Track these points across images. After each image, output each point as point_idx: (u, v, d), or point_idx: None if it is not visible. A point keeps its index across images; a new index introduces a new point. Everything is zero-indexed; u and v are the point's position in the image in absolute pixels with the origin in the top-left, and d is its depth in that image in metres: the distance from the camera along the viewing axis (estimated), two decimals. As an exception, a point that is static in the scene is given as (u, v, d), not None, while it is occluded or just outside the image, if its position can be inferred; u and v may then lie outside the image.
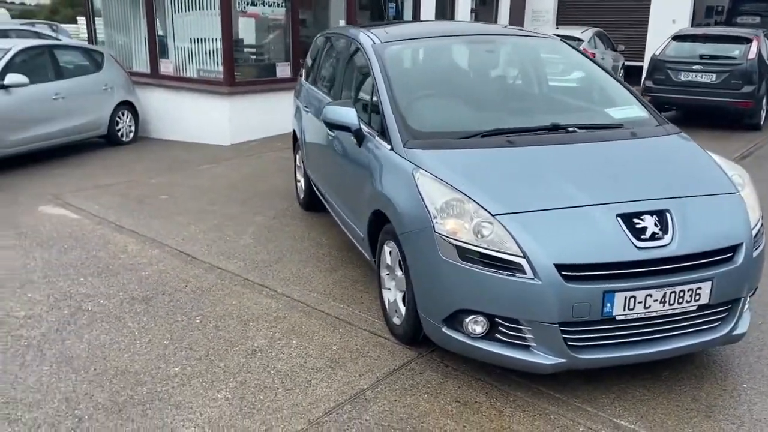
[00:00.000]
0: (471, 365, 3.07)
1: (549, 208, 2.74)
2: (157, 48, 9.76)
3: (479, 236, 2.69)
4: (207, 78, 9.22)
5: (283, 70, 9.66)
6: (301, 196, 5.71)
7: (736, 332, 2.85)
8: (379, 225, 3.42)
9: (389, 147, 3.33)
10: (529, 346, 2.68)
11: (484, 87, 3.98)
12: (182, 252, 4.69)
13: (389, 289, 3.42)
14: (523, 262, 2.61)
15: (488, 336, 2.76)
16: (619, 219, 2.71)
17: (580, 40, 12.36)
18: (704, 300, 2.73)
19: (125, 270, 4.35)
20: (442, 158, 3.07)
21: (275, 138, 9.16)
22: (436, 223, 2.79)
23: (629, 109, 3.67)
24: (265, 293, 3.96)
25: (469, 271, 2.69)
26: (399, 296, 3.28)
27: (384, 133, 3.43)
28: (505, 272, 2.63)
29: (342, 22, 10.52)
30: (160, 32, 9.75)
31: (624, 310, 2.62)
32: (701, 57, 10.10)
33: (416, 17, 11.82)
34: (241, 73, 9.18)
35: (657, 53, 10.54)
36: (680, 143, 3.36)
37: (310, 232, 5.11)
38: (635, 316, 2.65)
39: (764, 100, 10.12)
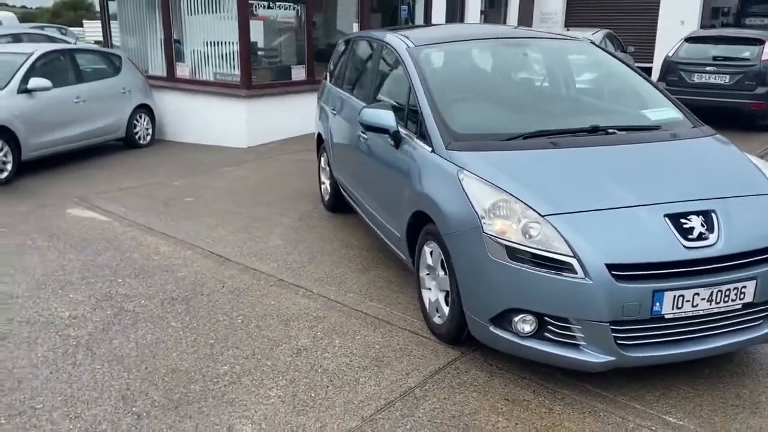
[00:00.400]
0: (515, 363, 3.12)
1: (597, 209, 2.79)
2: (173, 51, 9.83)
3: (528, 236, 2.74)
4: (224, 81, 9.28)
5: (299, 73, 9.73)
6: (326, 197, 5.76)
7: (780, 331, 2.89)
8: (419, 226, 3.48)
9: (430, 149, 3.38)
10: (579, 344, 2.73)
11: (520, 89, 4.04)
12: (214, 253, 4.74)
13: (429, 289, 3.47)
14: (573, 261, 2.65)
15: (537, 335, 2.81)
16: (667, 219, 2.76)
17: (591, 42, 12.38)
18: (749, 298, 2.78)
19: (161, 271, 4.40)
20: (485, 159, 3.13)
21: (292, 140, 9.23)
22: (485, 223, 2.84)
23: (664, 110, 3.72)
24: (301, 293, 4.01)
25: (518, 271, 2.74)
26: (441, 296, 3.32)
27: (423, 136, 3.48)
28: (555, 272, 2.68)
29: (355, 26, 10.59)
30: (176, 36, 9.82)
31: (672, 309, 2.67)
32: (714, 58, 10.15)
33: (428, 19, 11.88)
34: (257, 76, 9.24)
35: (670, 55, 10.59)
36: (719, 145, 3.41)
37: (338, 233, 5.16)
38: (683, 315, 2.70)
39: (777, 102, 10.16)
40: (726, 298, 2.73)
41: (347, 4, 10.76)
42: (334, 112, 5.21)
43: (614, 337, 2.67)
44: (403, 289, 4.06)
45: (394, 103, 3.89)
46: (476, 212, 2.89)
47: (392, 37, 4.31)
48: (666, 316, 2.68)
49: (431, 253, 3.38)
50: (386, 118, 3.66)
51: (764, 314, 2.87)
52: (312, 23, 9.75)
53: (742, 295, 2.76)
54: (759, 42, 10.09)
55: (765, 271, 2.78)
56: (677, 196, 2.86)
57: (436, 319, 3.39)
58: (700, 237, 2.73)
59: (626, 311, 2.64)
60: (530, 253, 2.72)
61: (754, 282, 2.75)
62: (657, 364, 2.83)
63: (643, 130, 3.42)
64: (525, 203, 2.82)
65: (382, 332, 3.49)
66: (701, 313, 2.72)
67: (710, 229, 2.77)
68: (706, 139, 3.41)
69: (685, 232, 2.73)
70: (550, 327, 2.77)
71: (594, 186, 2.92)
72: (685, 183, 2.97)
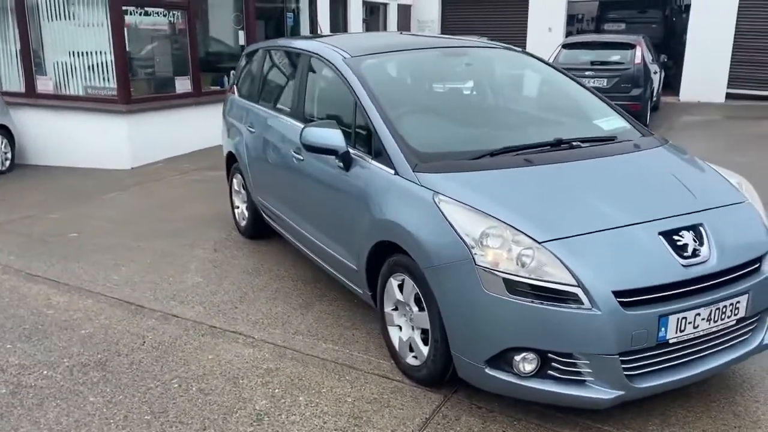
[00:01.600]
0: (504, 403, 2.85)
1: (592, 231, 2.58)
2: (32, 63, 8.69)
3: (525, 266, 2.48)
4: (97, 95, 8.34)
5: (183, 85, 8.97)
6: (242, 223, 5.22)
7: (766, 342, 2.85)
8: (382, 256, 3.12)
9: (392, 171, 3.03)
10: (585, 380, 2.50)
11: (473, 102, 3.80)
12: (122, 300, 4.07)
13: (398, 326, 3.13)
14: (578, 291, 2.42)
15: (539, 373, 2.55)
16: (662, 237, 2.61)
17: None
18: (742, 313, 2.70)
19: (59, 329, 3.67)
20: (461, 182, 2.83)
21: (181, 158, 8.48)
22: (476, 254, 2.54)
23: (613, 119, 3.63)
24: (242, 341, 3.50)
25: (520, 306, 2.46)
26: (416, 334, 2.99)
27: (380, 156, 3.13)
28: (560, 304, 2.44)
29: (242, 33, 9.97)
30: (34, 46, 8.68)
31: (676, 332, 2.52)
32: (592, 63, 10.67)
33: (314, 28, 11.49)
34: (135, 89, 8.39)
35: (551, 61, 10.99)
36: (679, 154, 3.35)
37: (264, 264, 4.65)
38: (686, 338, 2.56)
39: (648, 103, 10.88)
40: (723, 316, 2.63)
41: (227, 12, 10.10)
42: (252, 129, 4.70)
43: (623, 368, 2.48)
44: (356, 324, 3.67)
45: (344, 120, 3.50)
46: (465, 242, 2.59)
47: (323, 48, 3.92)
48: (670, 341, 2.52)
49: (400, 286, 3.04)
50: (334, 138, 3.26)
51: (752, 327, 2.82)
52: (195, 31, 9.02)
53: (736, 311, 2.67)
54: (631, 46, 10.75)
55: (755, 283, 2.71)
56: (665, 211, 2.73)
57: (411, 360, 3.05)
58: (695, 254, 2.61)
59: (635, 340, 2.45)
60: (531, 285, 2.46)
61: (746, 296, 2.67)
62: (662, 391, 2.68)
63: (607, 142, 3.29)
64: (518, 230, 2.55)
65: (349, 380, 3.08)
66: (701, 333, 2.60)
67: (701, 244, 2.66)
68: (665, 148, 3.35)
69: (680, 250, 2.60)
70: (554, 364, 2.52)
71: (583, 205, 2.72)
72: (668, 197, 2.86)
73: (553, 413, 2.77)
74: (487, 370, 2.60)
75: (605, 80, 10.44)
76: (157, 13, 8.67)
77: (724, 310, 2.62)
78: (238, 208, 5.33)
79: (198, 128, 8.78)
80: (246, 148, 4.82)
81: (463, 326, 2.64)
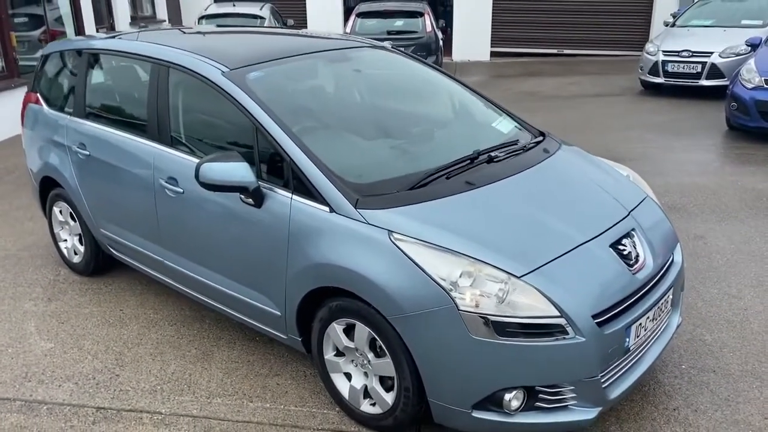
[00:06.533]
0: (474, 434, 2.77)
1: (559, 255, 2.56)
2: None
3: (508, 304, 2.38)
4: None
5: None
6: (76, 259, 4.35)
7: (679, 322, 3.13)
8: (317, 301, 2.80)
9: (327, 209, 2.68)
10: (568, 405, 2.52)
11: (380, 117, 3.49)
12: (-48, 394, 3.14)
13: (347, 374, 2.85)
14: (561, 321, 2.40)
15: (526, 407, 2.50)
16: (611, 249, 2.69)
17: (262, 17, 11.99)
18: (670, 306, 2.94)
19: None
20: (412, 216, 2.59)
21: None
22: (457, 299, 2.37)
23: (504, 121, 3.64)
24: (149, 421, 2.91)
25: (510, 346, 2.36)
26: (374, 382, 2.74)
27: (306, 192, 2.74)
28: (547, 338, 2.39)
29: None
30: None
31: (635, 339, 2.65)
32: (389, 33, 10.82)
33: (78, 16, 9.86)
34: None
35: (348, 31, 10.91)
36: (580, 154, 3.47)
37: (125, 309, 3.93)
38: (640, 341, 2.71)
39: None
40: (661, 313, 2.84)
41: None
42: (83, 151, 3.85)
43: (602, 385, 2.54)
44: (275, 369, 3.28)
45: (234, 151, 2.98)
46: (441, 287, 2.39)
47: (184, 57, 3.29)
48: (631, 348, 2.65)
49: (345, 331, 2.75)
50: (241, 172, 2.78)
51: (669, 314, 3.07)
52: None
53: (668, 304, 2.90)
54: (419, 14, 11.10)
55: (676, 275, 2.95)
56: (605, 222, 2.80)
57: (368, 408, 2.80)
58: (637, 260, 2.75)
59: (611, 357, 2.52)
60: (518, 323, 2.37)
61: (672, 289, 2.90)
62: (627, 395, 2.81)
63: (511, 147, 3.24)
64: (495, 266, 2.43)
65: (302, 446, 2.75)
66: (648, 333, 2.77)
67: (636, 249, 2.80)
68: (566, 150, 3.43)
69: (625, 259, 2.71)
70: (541, 396, 2.49)
71: (540, 227, 2.67)
72: (600, 206, 2.93)
73: (525, 434, 2.77)
74: (473, 414, 2.49)
75: (402, 49, 10.65)
76: None
77: (662, 307, 2.82)
78: (65, 241, 4.42)
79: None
80: (76, 173, 3.96)
81: (446, 374, 2.46)
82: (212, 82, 3.12)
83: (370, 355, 2.71)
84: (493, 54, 16.33)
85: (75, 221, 4.22)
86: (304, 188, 2.75)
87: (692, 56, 9.81)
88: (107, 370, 3.32)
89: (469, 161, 3.00)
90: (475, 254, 2.46)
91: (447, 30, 15.55)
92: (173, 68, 3.34)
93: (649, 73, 10.28)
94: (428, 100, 3.82)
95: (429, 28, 10.84)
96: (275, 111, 2.92)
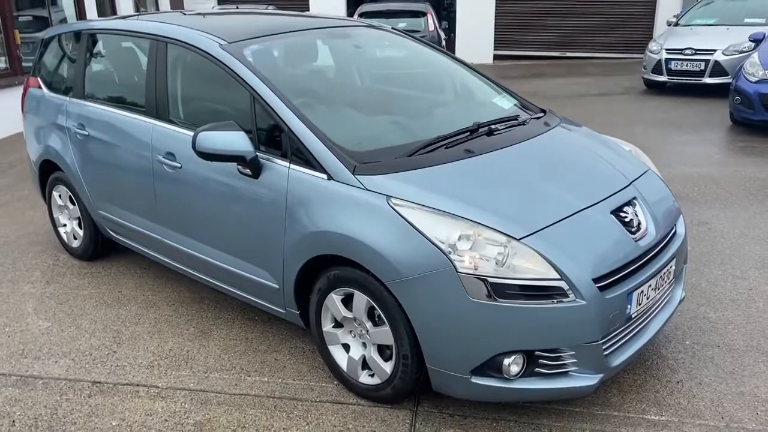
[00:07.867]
0: (474, 407, 2.72)
1: (559, 219, 2.52)
2: None
3: (508, 266, 2.35)
4: None
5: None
6: (75, 244, 4.34)
7: (682, 296, 3.08)
8: (314, 270, 2.77)
9: (325, 177, 2.66)
10: (569, 371, 2.48)
11: (378, 90, 3.49)
12: (-51, 369, 3.12)
13: (345, 344, 2.81)
14: (562, 284, 2.36)
15: (526, 373, 2.46)
16: (613, 216, 2.66)
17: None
18: (672, 276, 2.90)
19: None
20: (412, 182, 2.57)
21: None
22: (456, 261, 2.34)
23: (504, 98, 3.62)
24: (145, 394, 2.88)
25: (509, 309, 2.33)
26: (373, 351, 2.70)
27: (304, 159, 2.73)
28: (547, 300, 2.35)
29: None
30: None
31: (637, 306, 2.61)
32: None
33: (81, 8, 9.93)
34: None
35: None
36: (581, 129, 3.44)
37: (123, 290, 3.91)
38: (642, 309, 2.66)
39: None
40: (663, 282, 2.79)
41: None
42: (83, 131, 3.85)
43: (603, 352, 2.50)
44: (273, 346, 3.25)
45: (232, 121, 2.96)
46: (440, 249, 2.36)
47: (183, 32, 3.29)
48: (633, 315, 2.61)
49: (344, 301, 2.72)
50: (239, 142, 2.76)
51: (672, 286, 3.02)
52: None
53: (670, 275, 2.85)
54: (422, 14, 11.12)
55: (679, 246, 2.92)
56: (606, 190, 2.77)
57: (367, 379, 2.76)
58: (639, 228, 2.71)
59: (612, 322, 2.48)
60: (517, 285, 2.34)
61: (674, 260, 2.86)
62: (628, 364, 2.76)
63: (519, 123, 3.23)
64: (494, 229, 2.40)
65: (300, 416, 2.70)
66: (651, 302, 2.72)
67: (638, 217, 2.77)
68: (568, 126, 3.40)
69: (627, 226, 2.67)
70: (541, 361, 2.45)
71: (540, 193, 2.64)
72: (602, 175, 2.90)
73: (529, 409, 2.72)
74: (472, 380, 2.45)
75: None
76: None
77: (664, 277, 2.78)
78: (65, 226, 4.41)
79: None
80: (75, 154, 3.95)
81: (444, 339, 2.43)
82: (210, 55, 3.11)
83: (369, 324, 2.67)
84: (496, 57, 16.34)
85: (74, 204, 4.21)
86: (302, 157, 2.73)
87: (695, 54, 9.79)
88: (104, 347, 3.29)
89: (469, 132, 2.98)
90: (475, 217, 2.43)
91: (450, 34, 15.57)
92: (171, 43, 3.34)
93: (652, 72, 10.26)
94: (428, 77, 3.80)
95: (432, 28, 10.87)
96: (273, 82, 2.91)
